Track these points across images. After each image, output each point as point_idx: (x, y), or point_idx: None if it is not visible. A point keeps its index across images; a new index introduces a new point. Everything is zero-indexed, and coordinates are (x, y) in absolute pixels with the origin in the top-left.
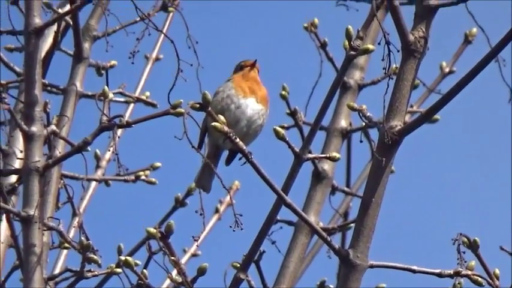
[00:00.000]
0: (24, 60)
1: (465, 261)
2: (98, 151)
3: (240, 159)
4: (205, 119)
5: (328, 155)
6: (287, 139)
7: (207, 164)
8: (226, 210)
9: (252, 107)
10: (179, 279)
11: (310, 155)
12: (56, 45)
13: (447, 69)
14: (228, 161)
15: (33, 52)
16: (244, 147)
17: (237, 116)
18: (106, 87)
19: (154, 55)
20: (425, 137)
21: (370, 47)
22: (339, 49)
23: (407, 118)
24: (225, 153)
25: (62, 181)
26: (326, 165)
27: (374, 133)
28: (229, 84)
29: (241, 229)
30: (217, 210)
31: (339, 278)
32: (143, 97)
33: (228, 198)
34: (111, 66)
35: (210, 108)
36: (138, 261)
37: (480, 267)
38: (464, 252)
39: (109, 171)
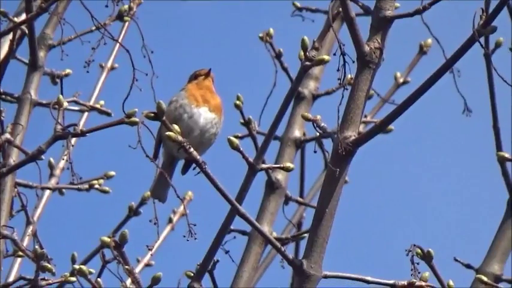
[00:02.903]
0: None
1: (419, 272)
2: (51, 159)
3: (194, 168)
4: (160, 128)
5: (282, 165)
6: (241, 149)
7: (162, 174)
8: (180, 220)
9: (204, 116)
10: None
11: (264, 165)
12: (11, 53)
13: (401, 80)
14: (184, 170)
15: None
16: (198, 157)
17: (190, 126)
18: (60, 95)
19: (109, 64)
20: (379, 147)
21: (326, 57)
22: (294, 59)
23: (362, 128)
24: (181, 163)
25: (15, 189)
26: (279, 175)
27: (328, 143)
28: (182, 94)
29: (195, 239)
30: (170, 220)
31: None
32: (98, 105)
33: (181, 208)
34: (66, 75)
35: (164, 118)
36: (92, 270)
37: (434, 279)
38: (418, 263)
39: (63, 180)
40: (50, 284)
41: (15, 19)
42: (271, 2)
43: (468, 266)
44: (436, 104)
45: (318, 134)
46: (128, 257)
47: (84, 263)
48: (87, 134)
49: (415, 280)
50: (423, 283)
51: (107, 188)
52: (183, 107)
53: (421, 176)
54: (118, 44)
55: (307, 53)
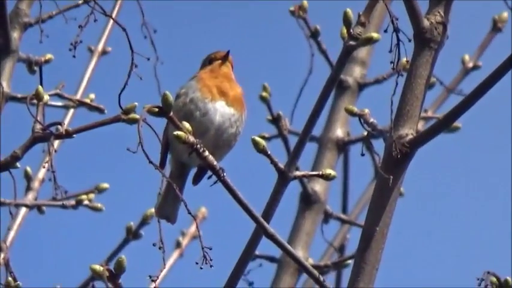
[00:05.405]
0: None
1: None
2: (28, 169)
3: (209, 177)
4: (167, 127)
5: (320, 173)
6: (269, 152)
7: (171, 186)
8: (190, 243)
9: (221, 112)
10: None
11: (297, 173)
12: None
13: (470, 64)
14: (196, 180)
15: None
16: (215, 163)
17: (204, 125)
18: (40, 87)
19: (100, 47)
20: (442, 149)
21: (374, 35)
22: (335, 39)
23: (421, 125)
24: (193, 172)
25: None
26: (317, 186)
27: (379, 144)
28: (193, 84)
29: (211, 266)
30: (178, 244)
31: None
32: (87, 100)
33: (193, 228)
34: (47, 61)
35: (172, 114)
36: None
37: None
38: None
39: (42, 195)
40: None
41: None
42: None
43: None
44: None
45: (365, 132)
46: None
47: None
48: (74, 136)
49: None
50: None
51: (99, 205)
52: (195, 101)
53: (494, 184)
54: (111, 21)
55: (351, 30)
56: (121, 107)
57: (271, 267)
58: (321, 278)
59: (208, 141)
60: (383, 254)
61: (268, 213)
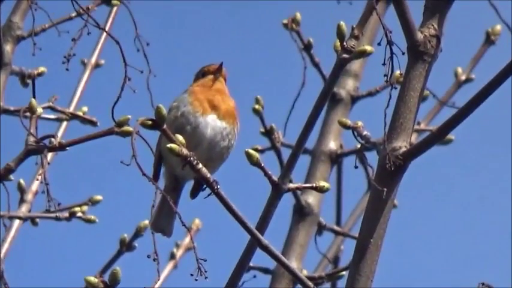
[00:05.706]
0: None
1: None
2: (22, 181)
3: (203, 189)
4: (160, 140)
5: (314, 185)
6: (262, 165)
7: (165, 200)
8: (185, 255)
9: (213, 125)
10: None
11: (291, 185)
12: None
13: (463, 77)
14: (194, 193)
15: None
16: (209, 175)
17: (195, 139)
18: (33, 100)
19: (93, 60)
20: (436, 161)
21: (368, 48)
22: (328, 52)
23: (414, 138)
24: (189, 186)
25: None
26: (311, 198)
27: (372, 157)
28: (185, 98)
29: (205, 278)
30: (173, 256)
31: None
32: (79, 113)
33: (187, 240)
34: (40, 74)
35: (165, 126)
36: None
37: None
38: None
39: (36, 207)
40: None
41: None
42: None
43: None
44: (507, 105)
45: (359, 145)
46: None
47: None
48: (68, 148)
49: None
50: None
51: (92, 217)
52: (186, 115)
53: (489, 195)
54: (105, 34)
55: (345, 43)
56: (114, 120)
57: (266, 279)
58: None
59: (201, 155)
60: (377, 264)
61: (262, 225)
